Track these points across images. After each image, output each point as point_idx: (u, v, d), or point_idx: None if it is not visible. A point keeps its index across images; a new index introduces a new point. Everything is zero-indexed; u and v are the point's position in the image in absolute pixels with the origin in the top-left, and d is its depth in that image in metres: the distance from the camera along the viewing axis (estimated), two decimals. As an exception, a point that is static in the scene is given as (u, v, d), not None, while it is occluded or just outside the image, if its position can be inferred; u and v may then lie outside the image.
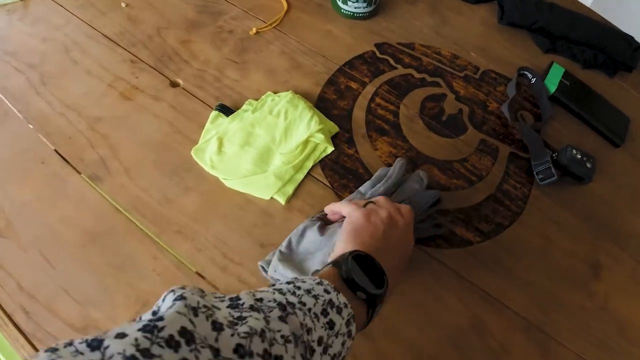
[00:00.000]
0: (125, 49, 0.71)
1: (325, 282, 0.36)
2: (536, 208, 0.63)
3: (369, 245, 0.42)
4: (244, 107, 0.64)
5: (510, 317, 0.54)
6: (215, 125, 0.63)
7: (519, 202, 0.63)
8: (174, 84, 0.68)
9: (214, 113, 0.63)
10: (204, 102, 0.66)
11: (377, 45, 0.74)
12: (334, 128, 0.65)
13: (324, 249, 0.51)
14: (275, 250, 0.54)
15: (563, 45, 0.79)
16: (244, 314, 0.29)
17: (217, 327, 0.26)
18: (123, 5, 0.76)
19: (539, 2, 0.81)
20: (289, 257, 0.53)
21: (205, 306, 0.27)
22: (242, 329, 0.27)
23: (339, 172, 0.62)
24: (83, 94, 0.66)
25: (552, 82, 0.72)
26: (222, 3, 0.78)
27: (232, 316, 0.28)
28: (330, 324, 0.33)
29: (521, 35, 0.80)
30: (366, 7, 0.74)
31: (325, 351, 0.32)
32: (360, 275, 0.38)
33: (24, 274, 0.54)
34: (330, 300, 0.34)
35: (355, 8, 0.74)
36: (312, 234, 0.53)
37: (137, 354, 0.22)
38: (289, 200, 0.59)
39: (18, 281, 0.53)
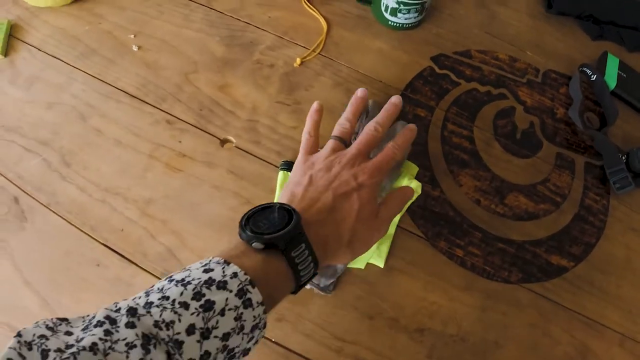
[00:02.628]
0: (155, 107, 0.59)
1: (213, 259, 0.36)
2: (616, 219, 0.62)
3: (297, 205, 0.42)
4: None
5: (610, 337, 0.55)
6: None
7: (600, 216, 0.62)
8: (225, 142, 0.58)
9: (281, 174, 0.56)
10: (265, 161, 0.58)
11: (433, 59, 0.67)
12: (414, 169, 0.59)
13: None
14: None
15: (611, 29, 0.75)
16: (86, 333, 0.28)
17: (44, 355, 0.26)
18: (134, 48, 0.62)
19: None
20: None
21: (42, 336, 0.27)
22: (69, 350, 0.27)
23: (430, 219, 0.57)
24: (120, 172, 0.56)
25: (611, 77, 0.69)
26: (251, 30, 0.66)
27: (76, 338, 0.28)
28: (206, 306, 0.32)
29: (568, 23, 0.75)
30: (417, 16, 0.65)
31: (205, 336, 0.31)
32: (262, 220, 0.38)
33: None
34: (209, 279, 0.33)
35: (406, 19, 0.65)
36: None
37: None
38: (386, 261, 0.55)
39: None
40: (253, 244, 0.37)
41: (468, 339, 0.53)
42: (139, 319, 0.29)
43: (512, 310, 0.55)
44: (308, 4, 0.68)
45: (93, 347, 0.27)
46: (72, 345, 0.27)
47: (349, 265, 0.54)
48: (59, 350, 0.27)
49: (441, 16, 0.71)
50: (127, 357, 0.27)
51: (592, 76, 0.69)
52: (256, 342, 0.37)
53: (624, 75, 0.69)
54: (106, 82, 0.61)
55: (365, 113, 0.58)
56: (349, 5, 0.69)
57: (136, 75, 0.61)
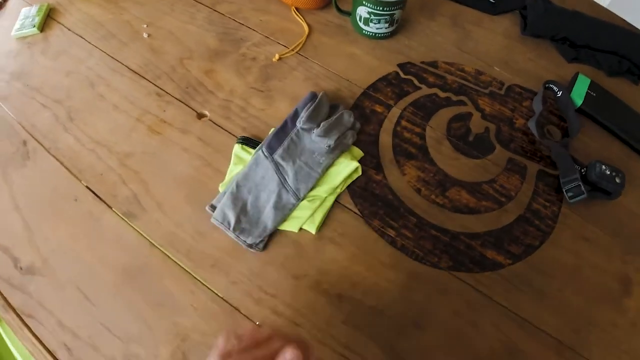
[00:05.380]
0: (150, 82, 0.72)
1: None
2: (566, 226, 0.62)
3: None
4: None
5: (543, 339, 0.54)
6: (241, 160, 0.63)
7: (548, 221, 0.62)
8: (201, 116, 0.68)
9: (237, 146, 0.64)
10: (231, 133, 0.66)
11: (400, 66, 0.74)
12: (359, 153, 0.65)
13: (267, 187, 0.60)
14: (223, 194, 0.60)
15: (587, 53, 0.77)
16: None
17: None
18: (145, 35, 0.76)
19: (561, 10, 0.79)
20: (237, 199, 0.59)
21: None
22: None
23: (369, 199, 0.62)
24: (111, 129, 0.67)
25: (579, 95, 0.71)
26: (244, 30, 0.78)
27: None
28: None
29: (544, 45, 0.79)
30: (388, 27, 0.73)
31: None
32: None
33: (64, 312, 0.55)
34: None
35: (377, 29, 0.73)
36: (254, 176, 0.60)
37: None
38: (319, 229, 0.59)
39: (59, 319, 0.55)
40: None
41: (386, 313, 0.55)
42: None
43: (437, 295, 0.57)
44: (296, 12, 0.79)
45: None
46: None
47: (281, 227, 0.59)
48: None
49: (414, 31, 0.78)
50: None
51: (558, 92, 0.72)
52: None
53: (594, 95, 0.71)
54: (116, 60, 0.74)
55: (311, 101, 0.65)
56: (331, 15, 0.79)
57: (142, 57, 0.74)
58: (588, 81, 0.73)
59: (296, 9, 0.79)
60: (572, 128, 0.69)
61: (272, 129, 0.65)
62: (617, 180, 0.63)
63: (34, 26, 0.79)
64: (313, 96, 0.66)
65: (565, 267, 0.59)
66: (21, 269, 0.58)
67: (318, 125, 0.62)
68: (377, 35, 0.75)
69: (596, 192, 0.63)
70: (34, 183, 0.64)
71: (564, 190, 0.63)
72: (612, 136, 0.70)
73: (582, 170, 0.64)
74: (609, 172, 0.63)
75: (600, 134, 0.71)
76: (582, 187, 0.62)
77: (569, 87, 0.72)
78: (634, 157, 0.70)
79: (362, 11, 0.72)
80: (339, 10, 0.77)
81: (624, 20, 0.83)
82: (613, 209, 0.64)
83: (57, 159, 0.65)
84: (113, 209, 0.61)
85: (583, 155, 0.68)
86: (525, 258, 0.60)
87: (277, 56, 0.73)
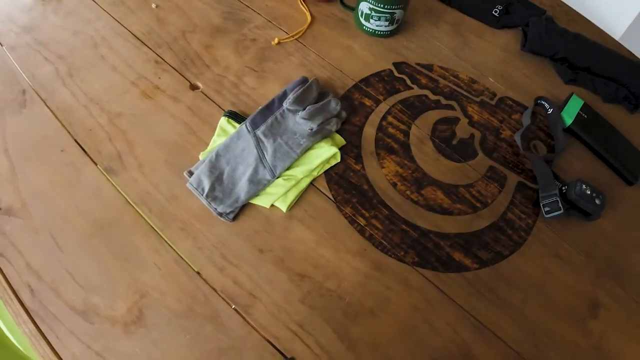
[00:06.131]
0: (151, 49, 0.74)
1: None
2: (539, 240, 0.62)
3: None
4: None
5: (500, 348, 0.54)
6: (224, 132, 0.64)
7: (521, 233, 0.62)
8: (194, 87, 0.70)
9: (223, 119, 0.65)
10: (220, 107, 0.68)
11: (395, 64, 0.75)
12: (341, 141, 0.66)
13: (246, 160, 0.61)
14: (202, 162, 0.61)
15: (585, 76, 0.77)
16: None
17: None
18: (153, 6, 0.79)
19: (564, 31, 0.80)
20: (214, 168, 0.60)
21: None
22: None
23: (344, 186, 0.63)
24: (106, 89, 0.69)
25: (569, 114, 0.71)
26: (248, 12, 0.80)
27: None
28: None
29: (543, 63, 0.79)
30: (387, 25, 0.75)
31: None
32: None
33: (33, 254, 0.57)
34: None
35: (377, 26, 0.75)
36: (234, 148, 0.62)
37: None
38: (290, 208, 0.60)
39: (27, 261, 0.56)
40: None
41: (344, 297, 0.56)
42: None
43: (398, 287, 0.57)
44: (302, 2, 0.81)
45: None
46: None
47: (253, 201, 0.60)
48: None
49: (415, 33, 0.79)
50: None
51: (549, 109, 0.72)
52: None
53: (585, 116, 0.72)
54: (122, 25, 0.77)
55: (302, 85, 0.66)
56: (335, 9, 0.81)
57: (146, 25, 0.77)
58: (581, 103, 0.73)
59: (302, -1, 0.81)
60: (558, 145, 0.69)
61: (260, 107, 0.66)
62: (597, 201, 0.63)
63: (51, -14, 0.82)
64: (304, 80, 0.67)
65: (533, 280, 0.59)
66: (0, 209, 0.59)
67: (304, 109, 0.64)
68: (376, 32, 0.76)
69: (575, 210, 0.63)
70: (26, 130, 0.66)
71: (541, 204, 0.63)
72: (598, 159, 0.71)
73: (563, 188, 0.64)
74: (589, 192, 0.63)
75: (586, 155, 0.71)
76: (560, 203, 0.62)
77: (561, 105, 0.72)
78: (618, 181, 0.70)
79: (364, 7, 0.73)
80: (343, 4, 0.78)
81: (632, 54, 0.83)
82: (590, 230, 0.64)
83: (51, 111, 0.67)
84: (95, 163, 0.63)
85: (566, 174, 0.68)
86: (492, 265, 0.60)
87: (276, 40, 0.75)
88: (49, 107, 0.68)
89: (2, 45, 0.75)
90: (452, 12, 0.84)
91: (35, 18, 0.79)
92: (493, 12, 0.84)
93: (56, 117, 0.67)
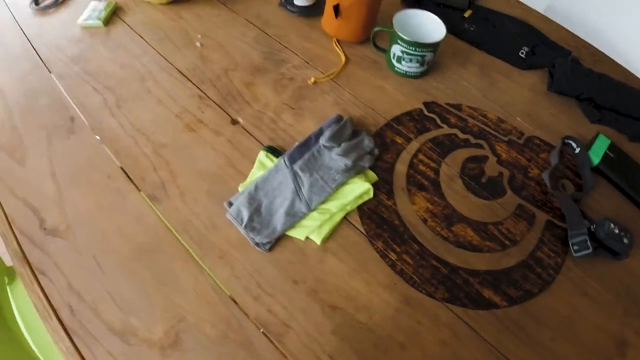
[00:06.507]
0: (195, 85, 0.78)
1: None
2: (568, 279, 0.63)
3: None
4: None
5: None
6: (263, 166, 0.68)
7: (550, 271, 0.63)
8: (234, 122, 0.74)
9: (262, 153, 0.69)
10: (259, 141, 0.71)
11: (425, 104, 0.78)
12: (373, 177, 0.68)
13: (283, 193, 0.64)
14: (241, 193, 0.64)
15: (611, 116, 0.79)
16: None
17: None
18: (198, 44, 0.84)
19: (589, 71, 0.82)
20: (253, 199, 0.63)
21: None
22: None
23: (376, 221, 0.65)
24: (152, 121, 0.74)
25: (596, 154, 0.73)
26: (286, 52, 0.85)
27: None
28: None
29: (569, 103, 0.81)
30: (418, 67, 0.78)
31: None
32: None
33: (75, 275, 0.59)
34: None
35: (408, 67, 0.78)
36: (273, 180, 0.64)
37: None
38: (324, 241, 0.62)
39: (69, 280, 0.59)
40: None
41: (375, 330, 0.57)
42: None
43: (428, 322, 0.58)
44: (337, 43, 0.85)
45: None
46: None
47: (289, 233, 0.63)
48: None
49: (444, 74, 0.82)
50: None
51: (576, 149, 0.74)
52: None
53: (612, 155, 0.73)
54: (168, 61, 0.82)
55: (337, 122, 0.70)
56: (368, 51, 0.85)
57: (191, 62, 0.82)
58: (608, 142, 0.74)
59: (337, 40, 0.86)
60: (586, 184, 0.71)
61: (297, 143, 0.69)
62: (625, 240, 0.63)
63: (100, 19, 0.88)
64: (339, 118, 0.70)
65: (561, 318, 0.59)
66: (45, 229, 0.63)
67: (339, 145, 0.67)
68: (407, 73, 0.80)
69: (603, 249, 0.64)
70: (74, 155, 0.70)
71: (570, 242, 0.64)
72: (626, 198, 0.71)
73: (591, 227, 0.65)
74: (617, 231, 0.63)
75: (614, 193, 0.72)
76: (589, 242, 0.63)
77: (588, 145, 0.74)
78: (647, 222, 0.70)
79: (396, 49, 0.77)
80: (376, 46, 0.83)
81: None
82: (618, 269, 0.65)
83: (98, 138, 0.72)
84: (140, 190, 0.66)
85: (594, 213, 0.69)
86: (521, 303, 0.60)
87: (312, 79, 0.79)
88: (96, 135, 0.72)
89: (50, 73, 0.80)
90: (479, 53, 0.88)
91: (83, 50, 0.84)
92: (520, 54, 0.87)
93: (103, 144, 0.71)
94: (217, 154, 0.70)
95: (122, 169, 0.68)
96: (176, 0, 0.93)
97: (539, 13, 1.01)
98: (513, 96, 0.81)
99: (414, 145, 0.73)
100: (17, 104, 0.80)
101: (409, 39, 0.74)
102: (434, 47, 0.75)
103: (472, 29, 0.90)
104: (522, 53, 0.86)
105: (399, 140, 0.73)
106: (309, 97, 0.78)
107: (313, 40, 0.88)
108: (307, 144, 0.68)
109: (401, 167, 0.70)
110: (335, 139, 0.67)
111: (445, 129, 0.75)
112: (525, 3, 1.02)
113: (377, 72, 0.82)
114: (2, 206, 0.66)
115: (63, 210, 0.65)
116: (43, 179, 0.68)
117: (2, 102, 0.82)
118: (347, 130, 0.69)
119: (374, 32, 0.81)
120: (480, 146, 0.74)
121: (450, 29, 0.78)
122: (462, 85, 0.82)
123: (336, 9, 0.79)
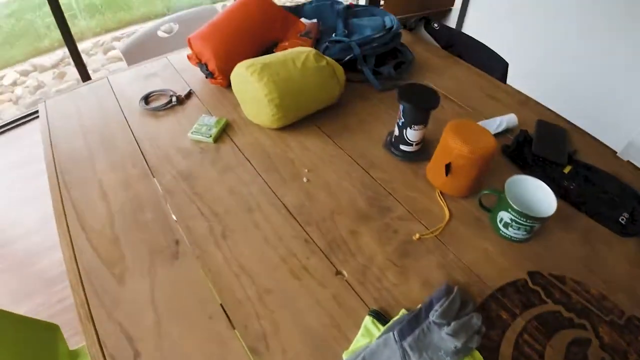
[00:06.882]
0: (300, 225, 0.79)
1: None
2: None
3: None
4: (398, 317, 0.69)
5: None
6: (369, 333, 0.67)
7: None
8: (339, 273, 0.74)
9: (367, 319, 0.68)
10: (363, 300, 0.71)
11: (530, 274, 0.77)
12: (479, 358, 0.67)
13: None
14: None
15: None
16: None
17: None
18: (304, 180, 0.85)
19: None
20: None
21: None
22: None
23: (482, 411, 0.63)
24: (258, 260, 0.74)
25: None
26: (391, 199, 0.85)
27: None
28: None
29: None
30: (525, 235, 0.78)
31: None
32: None
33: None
34: None
35: (514, 234, 0.78)
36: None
37: None
38: None
39: None
40: None
41: None
42: None
43: None
44: (440, 195, 0.86)
45: None
46: None
47: None
48: None
49: (547, 239, 0.82)
50: None
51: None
52: None
53: None
54: (275, 194, 0.83)
55: (446, 294, 0.69)
56: (471, 206, 0.85)
57: (298, 198, 0.83)
58: None
59: (441, 192, 0.86)
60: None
61: (402, 310, 0.69)
62: None
63: (210, 137, 0.91)
64: (448, 290, 0.70)
65: None
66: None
67: (449, 322, 0.66)
68: (512, 238, 0.80)
69: None
70: (176, 285, 0.71)
71: None
72: None
73: None
74: None
75: None
76: None
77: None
78: None
79: (505, 216, 0.77)
80: (482, 206, 0.83)
81: None
82: None
83: (203, 270, 0.72)
84: (241, 339, 0.66)
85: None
86: None
87: (417, 235, 0.79)
88: (201, 266, 0.73)
89: (159, 186, 0.82)
90: (580, 216, 0.87)
91: (192, 166, 0.86)
92: (620, 220, 0.86)
93: (207, 278, 0.71)
94: (322, 309, 0.70)
95: (224, 310, 0.68)
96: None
97: (633, 165, 1.00)
98: (614, 269, 0.80)
99: (520, 323, 0.71)
100: (120, 211, 0.82)
101: (522, 211, 0.74)
102: (545, 220, 0.75)
103: (572, 187, 0.90)
104: (622, 220, 0.85)
105: (504, 315, 0.72)
106: (413, 254, 0.77)
107: (417, 189, 0.88)
108: (417, 318, 0.67)
109: (506, 349, 0.69)
110: (446, 315, 0.67)
111: (550, 305, 0.74)
112: (621, 157, 1.02)
113: (480, 232, 0.82)
114: (95, 327, 0.67)
115: (160, 346, 0.65)
116: (143, 306, 0.68)
117: (105, 204, 0.84)
118: (456, 304, 0.68)
119: (482, 194, 0.81)
120: (583, 327, 0.72)
121: (551, 186, 0.79)
122: (564, 252, 0.81)
123: (447, 167, 0.80)
